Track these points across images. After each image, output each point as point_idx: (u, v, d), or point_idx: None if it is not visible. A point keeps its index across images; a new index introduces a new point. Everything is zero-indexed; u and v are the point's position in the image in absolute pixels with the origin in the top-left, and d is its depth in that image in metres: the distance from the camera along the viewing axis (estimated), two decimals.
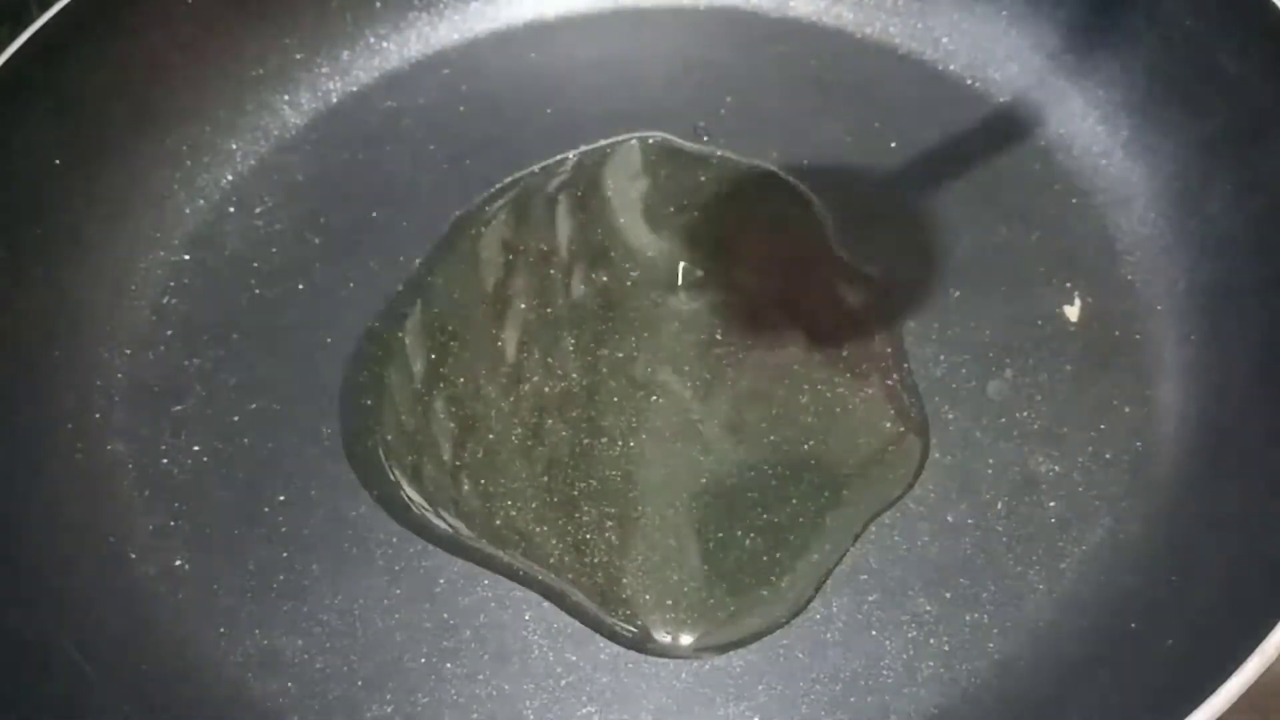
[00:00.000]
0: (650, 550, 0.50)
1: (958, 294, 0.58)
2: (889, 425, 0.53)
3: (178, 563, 0.52)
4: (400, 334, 0.57)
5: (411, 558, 0.51)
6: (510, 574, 0.50)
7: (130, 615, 0.50)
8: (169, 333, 0.59)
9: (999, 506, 0.51)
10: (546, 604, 0.49)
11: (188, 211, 0.63)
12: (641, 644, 0.48)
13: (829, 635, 0.48)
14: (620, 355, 0.56)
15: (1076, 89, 0.63)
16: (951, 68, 0.67)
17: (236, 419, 0.56)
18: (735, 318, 0.57)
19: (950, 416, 0.54)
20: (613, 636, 0.48)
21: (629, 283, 0.57)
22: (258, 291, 0.60)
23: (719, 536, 0.50)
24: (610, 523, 0.51)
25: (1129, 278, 0.58)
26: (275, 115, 0.67)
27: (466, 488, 0.52)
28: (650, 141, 0.60)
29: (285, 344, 0.58)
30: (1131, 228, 0.59)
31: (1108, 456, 0.52)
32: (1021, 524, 0.51)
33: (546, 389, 0.55)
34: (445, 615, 0.49)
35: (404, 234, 0.62)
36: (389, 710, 0.48)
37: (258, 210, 0.63)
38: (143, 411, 0.56)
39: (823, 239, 0.60)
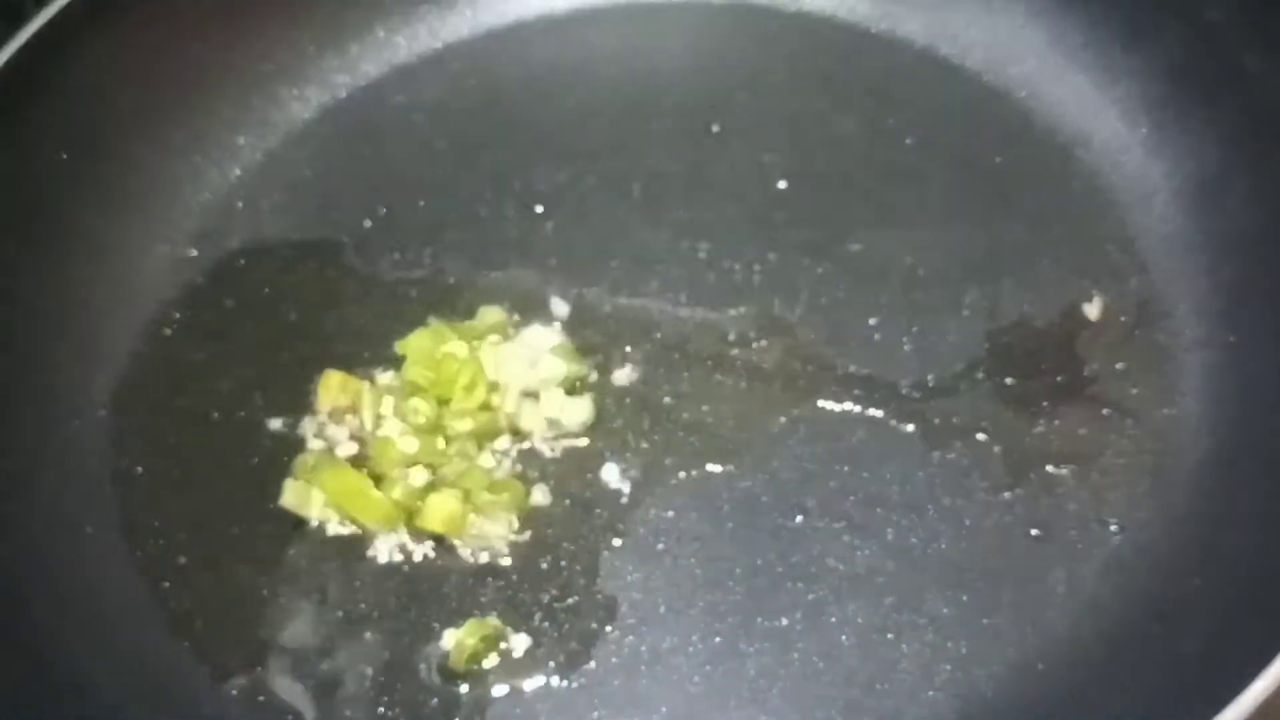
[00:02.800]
0: None
1: (975, 292, 0.57)
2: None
3: (182, 560, 0.51)
4: None
5: None
6: None
7: (136, 612, 0.50)
8: (175, 328, 0.59)
9: (1018, 508, 0.50)
10: (555, 605, 0.49)
11: (194, 207, 0.63)
12: None
13: (844, 639, 0.48)
14: None
15: (1095, 85, 0.63)
16: (968, 63, 0.66)
17: (243, 414, 0.55)
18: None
19: (967, 416, 0.53)
20: None
21: None
22: (265, 290, 0.60)
23: None
24: None
25: (1149, 276, 0.57)
26: (283, 110, 0.66)
27: None
28: None
29: (292, 339, 0.58)
30: (1152, 225, 0.58)
31: (1127, 458, 0.51)
32: (1040, 526, 0.50)
33: None
34: None
35: (414, 232, 0.61)
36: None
37: (265, 206, 0.63)
38: (148, 406, 0.56)
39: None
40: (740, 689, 0.47)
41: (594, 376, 0.55)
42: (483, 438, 0.53)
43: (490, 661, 0.48)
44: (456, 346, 0.54)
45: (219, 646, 0.49)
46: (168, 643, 0.49)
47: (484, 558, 0.51)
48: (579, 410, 0.53)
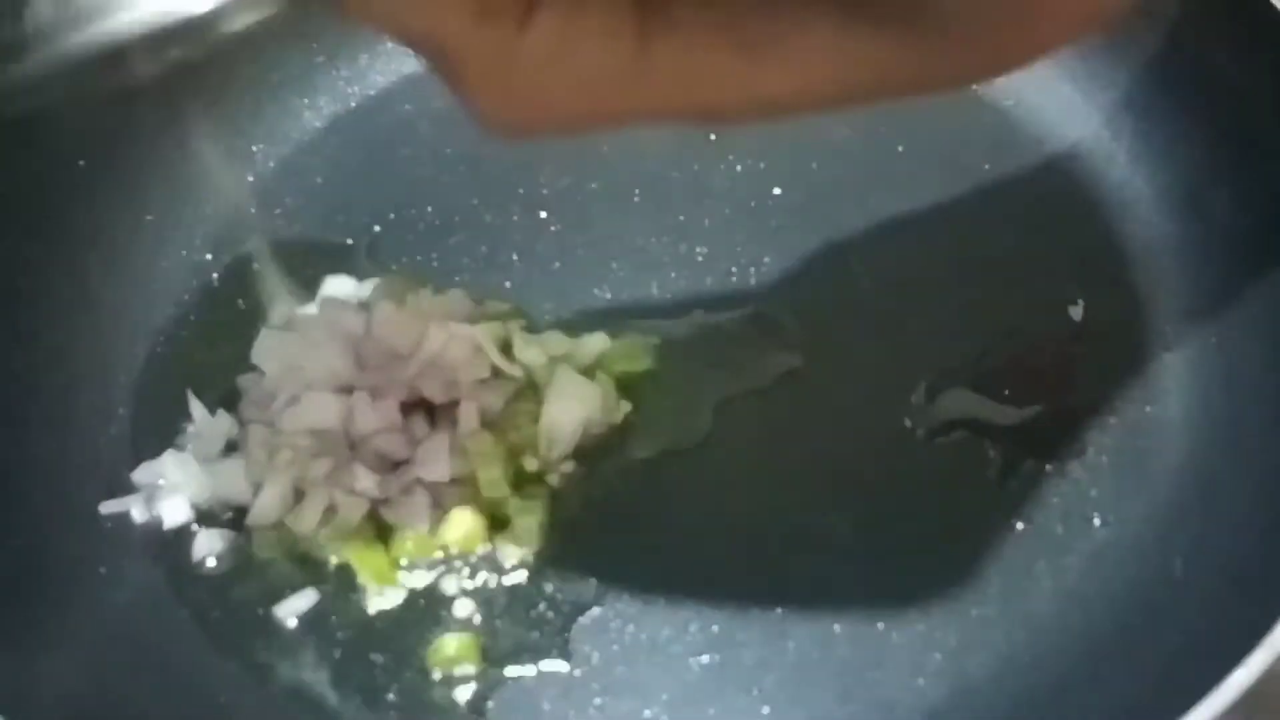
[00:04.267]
0: None
1: (963, 295, 0.58)
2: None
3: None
4: None
5: None
6: None
7: (153, 605, 0.51)
8: (190, 330, 0.60)
9: (1005, 503, 0.52)
10: (558, 595, 0.50)
11: (209, 212, 0.64)
12: None
13: (837, 628, 0.49)
14: None
15: (1081, 93, 0.64)
16: None
17: None
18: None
19: (956, 415, 0.54)
20: None
21: None
22: None
23: None
24: None
25: (1133, 280, 0.58)
26: (295, 118, 0.67)
27: None
28: None
29: None
30: (1136, 231, 0.60)
31: (1111, 455, 0.53)
32: (1027, 520, 0.51)
33: None
34: None
35: (422, 236, 0.62)
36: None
37: (278, 211, 0.64)
38: (164, 410, 0.57)
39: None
40: (737, 677, 0.48)
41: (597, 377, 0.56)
42: (520, 450, 0.53)
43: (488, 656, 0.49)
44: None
45: (236, 638, 0.50)
46: (185, 635, 0.50)
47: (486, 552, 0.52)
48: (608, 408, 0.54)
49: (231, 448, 0.54)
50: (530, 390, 0.54)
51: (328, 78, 0.68)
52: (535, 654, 0.49)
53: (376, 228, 0.63)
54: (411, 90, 0.69)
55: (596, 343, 0.56)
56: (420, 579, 0.51)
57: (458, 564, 0.51)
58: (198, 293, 0.61)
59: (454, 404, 0.53)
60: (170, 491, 0.53)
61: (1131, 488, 0.52)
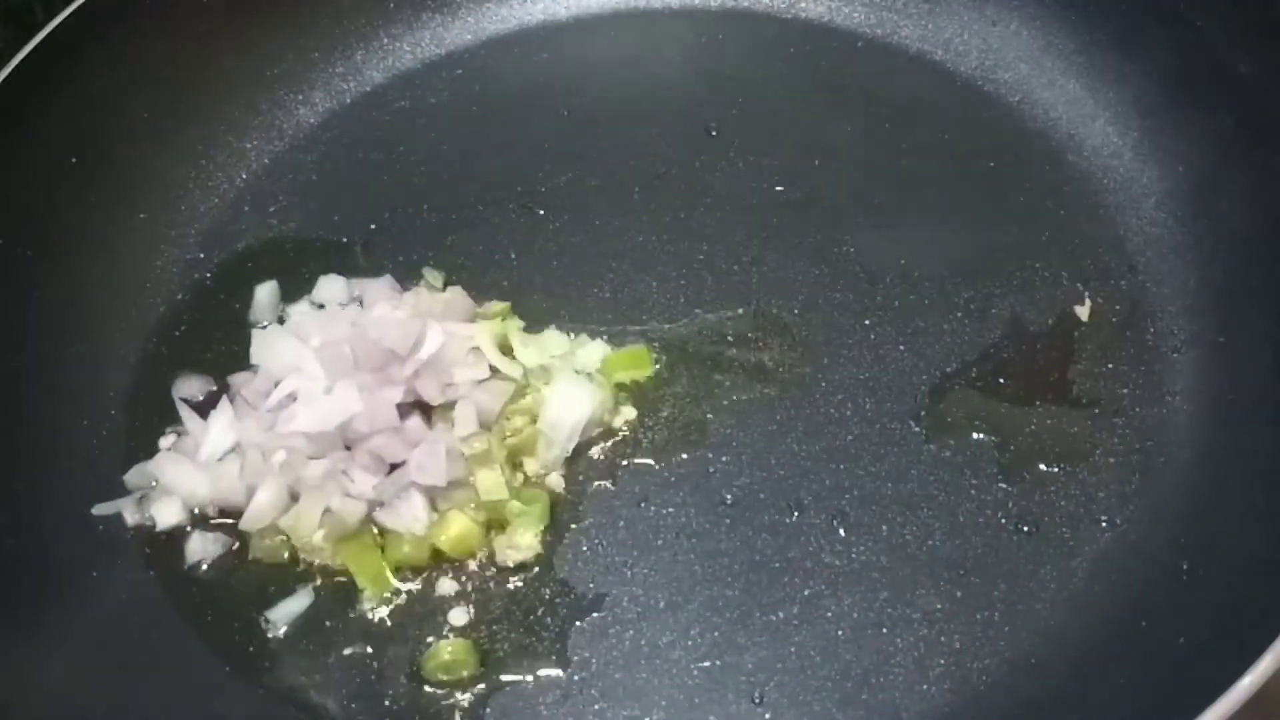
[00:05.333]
0: None
1: (969, 294, 0.58)
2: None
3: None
4: None
5: None
6: None
7: (147, 606, 0.51)
8: (183, 329, 0.59)
9: (1010, 505, 0.51)
10: (557, 600, 0.50)
11: (202, 210, 0.64)
12: None
13: (840, 633, 0.48)
14: None
15: (1087, 89, 0.63)
16: (962, 68, 0.67)
17: None
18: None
19: (961, 415, 0.54)
20: None
21: None
22: None
23: None
24: None
25: (1140, 277, 0.58)
26: (289, 114, 0.67)
27: None
28: None
29: None
30: (1142, 227, 0.59)
31: (1117, 456, 0.52)
32: (1032, 523, 0.51)
33: None
34: None
35: (418, 235, 0.62)
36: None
37: (271, 209, 0.64)
38: (157, 410, 0.56)
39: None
40: (738, 682, 0.48)
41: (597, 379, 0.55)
42: (519, 452, 0.53)
43: (489, 659, 0.49)
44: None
45: (229, 642, 0.50)
46: (178, 638, 0.50)
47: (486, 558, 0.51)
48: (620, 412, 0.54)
49: (226, 449, 0.53)
50: (529, 391, 0.53)
51: (323, 73, 0.68)
52: (533, 660, 0.48)
53: (372, 226, 0.63)
54: (408, 86, 0.69)
55: (597, 350, 0.56)
56: (417, 583, 0.51)
57: (455, 568, 0.51)
58: (190, 291, 0.61)
59: (451, 405, 0.52)
60: (163, 493, 0.53)
61: (1137, 490, 0.51)
